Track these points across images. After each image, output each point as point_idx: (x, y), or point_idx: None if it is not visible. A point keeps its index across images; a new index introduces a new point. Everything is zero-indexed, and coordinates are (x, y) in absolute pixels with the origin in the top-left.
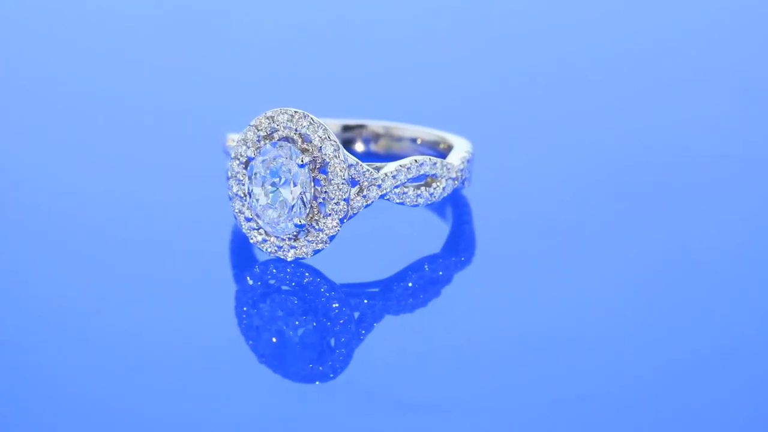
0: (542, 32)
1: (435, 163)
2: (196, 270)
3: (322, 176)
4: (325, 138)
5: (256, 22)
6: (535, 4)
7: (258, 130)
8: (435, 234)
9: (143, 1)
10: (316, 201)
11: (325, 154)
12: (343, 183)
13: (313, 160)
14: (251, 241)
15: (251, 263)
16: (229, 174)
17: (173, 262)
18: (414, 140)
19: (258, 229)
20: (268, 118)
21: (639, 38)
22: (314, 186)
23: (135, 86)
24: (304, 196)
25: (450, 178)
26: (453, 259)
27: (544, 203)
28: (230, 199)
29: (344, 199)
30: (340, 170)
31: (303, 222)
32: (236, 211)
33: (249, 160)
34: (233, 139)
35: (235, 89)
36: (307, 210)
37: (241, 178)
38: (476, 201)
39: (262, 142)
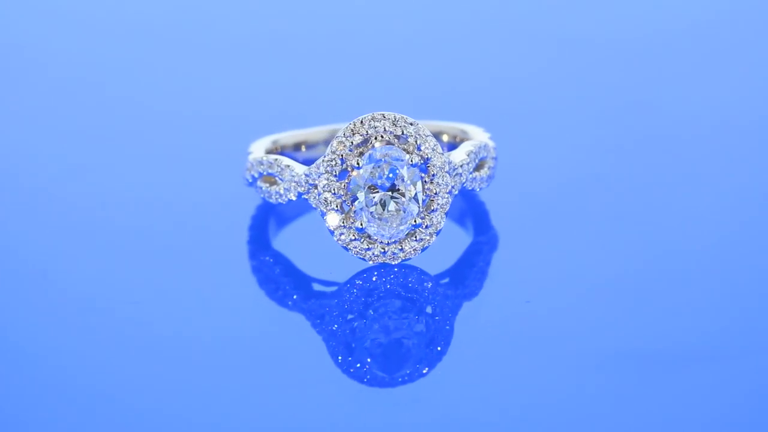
0: (537, 25)
1: (485, 146)
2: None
3: (422, 174)
4: (422, 135)
5: (256, 23)
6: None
7: (348, 141)
8: (460, 223)
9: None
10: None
11: (424, 152)
12: (445, 177)
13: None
14: (352, 252)
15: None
16: (322, 189)
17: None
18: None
19: (359, 240)
20: (358, 126)
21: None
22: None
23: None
24: (418, 196)
25: (492, 157)
26: (485, 241)
27: (543, 185)
28: (323, 214)
29: (448, 192)
30: (441, 165)
31: (418, 221)
32: (334, 225)
33: (344, 171)
34: (278, 159)
35: (236, 92)
36: (420, 209)
37: (336, 191)
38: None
39: (356, 151)
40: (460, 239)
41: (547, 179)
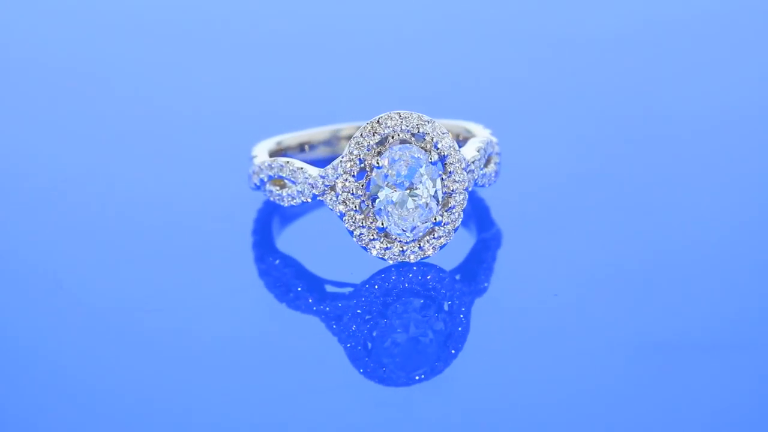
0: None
1: (490, 142)
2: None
3: (440, 171)
4: (439, 133)
5: (257, 23)
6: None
7: (366, 141)
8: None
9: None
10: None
11: (442, 149)
12: (462, 174)
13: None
14: (372, 252)
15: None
16: (341, 190)
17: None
18: None
19: (379, 239)
20: (375, 126)
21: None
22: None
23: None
24: (437, 194)
25: (497, 153)
26: (490, 237)
27: (540, 181)
28: (341, 215)
29: (465, 189)
30: (459, 162)
31: (438, 219)
32: (354, 226)
33: (362, 171)
34: (290, 162)
35: (236, 93)
36: (440, 206)
37: (355, 191)
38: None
39: (374, 151)
40: (465, 236)
41: (545, 176)
